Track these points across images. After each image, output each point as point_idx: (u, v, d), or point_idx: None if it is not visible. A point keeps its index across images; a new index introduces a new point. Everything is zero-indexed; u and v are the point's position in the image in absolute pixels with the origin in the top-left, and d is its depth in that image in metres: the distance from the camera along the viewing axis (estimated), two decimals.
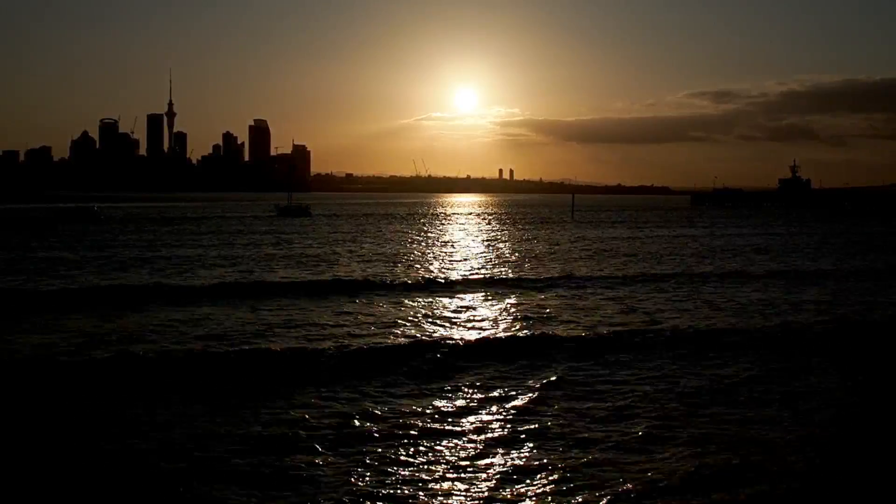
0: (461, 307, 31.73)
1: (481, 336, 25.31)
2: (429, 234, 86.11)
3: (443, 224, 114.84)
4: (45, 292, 34.34)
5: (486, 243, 72.04)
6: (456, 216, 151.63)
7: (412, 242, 71.63)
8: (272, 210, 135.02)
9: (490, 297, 34.62)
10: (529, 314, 29.69)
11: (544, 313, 29.96)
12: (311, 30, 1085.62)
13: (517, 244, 70.77)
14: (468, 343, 24.15)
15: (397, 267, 47.14)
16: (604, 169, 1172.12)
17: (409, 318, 28.70)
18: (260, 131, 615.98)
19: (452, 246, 68.37)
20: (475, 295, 35.43)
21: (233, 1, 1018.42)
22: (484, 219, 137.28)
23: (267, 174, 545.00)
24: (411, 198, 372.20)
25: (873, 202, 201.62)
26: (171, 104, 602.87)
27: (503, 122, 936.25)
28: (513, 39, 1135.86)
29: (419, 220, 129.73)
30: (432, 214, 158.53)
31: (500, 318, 29.03)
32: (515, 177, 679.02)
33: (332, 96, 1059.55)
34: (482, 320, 28.60)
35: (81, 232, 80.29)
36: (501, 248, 65.09)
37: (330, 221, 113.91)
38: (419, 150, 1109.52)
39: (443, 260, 53.38)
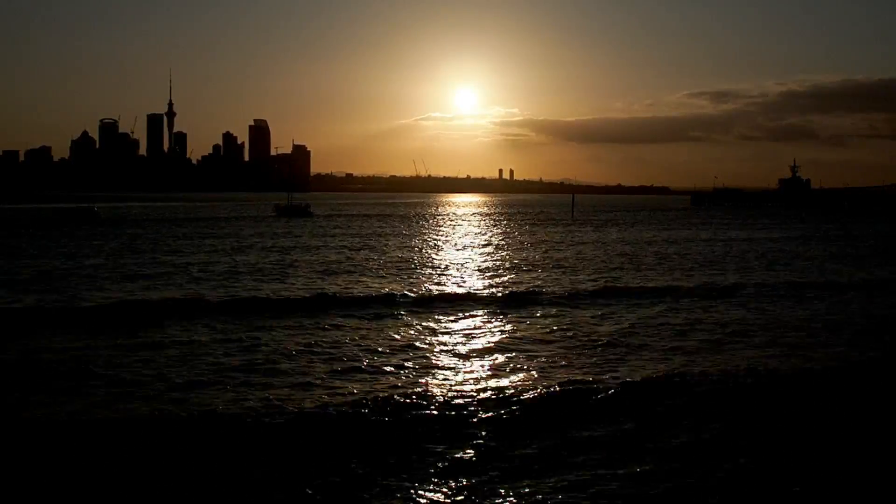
0: (486, 331, 27.34)
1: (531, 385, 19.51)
2: (434, 237, 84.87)
3: (447, 226, 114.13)
4: (48, 308, 31.30)
5: (497, 247, 68.50)
6: (459, 217, 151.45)
7: (420, 247, 68.66)
8: (272, 210, 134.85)
9: (526, 317, 30.12)
10: (588, 345, 24.63)
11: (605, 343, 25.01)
12: (311, 30, 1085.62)
13: (529, 248, 67.51)
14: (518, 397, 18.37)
15: (413, 278, 42.75)
16: (603, 169, 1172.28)
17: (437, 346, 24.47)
18: (260, 131, 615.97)
19: (463, 250, 64.83)
20: (504, 315, 30.48)
21: (233, 1, 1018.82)
22: (488, 220, 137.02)
23: (267, 174, 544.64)
24: (412, 198, 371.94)
25: (873, 202, 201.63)
26: (171, 104, 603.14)
27: (503, 122, 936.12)
28: (512, 39, 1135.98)
29: (422, 221, 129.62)
30: (434, 215, 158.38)
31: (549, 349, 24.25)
32: (515, 177, 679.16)
33: (332, 96, 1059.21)
34: (530, 347, 24.22)
35: (84, 235, 79.88)
36: (515, 253, 61.23)
37: (331, 222, 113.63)
38: (419, 150, 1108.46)
39: (456, 267, 49.45)
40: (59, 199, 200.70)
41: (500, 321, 29.25)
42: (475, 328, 27.99)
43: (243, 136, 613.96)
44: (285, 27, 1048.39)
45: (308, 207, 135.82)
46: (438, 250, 64.42)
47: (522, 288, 38.29)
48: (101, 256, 54.52)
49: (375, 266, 49.31)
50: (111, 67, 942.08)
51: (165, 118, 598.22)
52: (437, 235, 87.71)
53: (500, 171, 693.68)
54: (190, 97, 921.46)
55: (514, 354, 23.34)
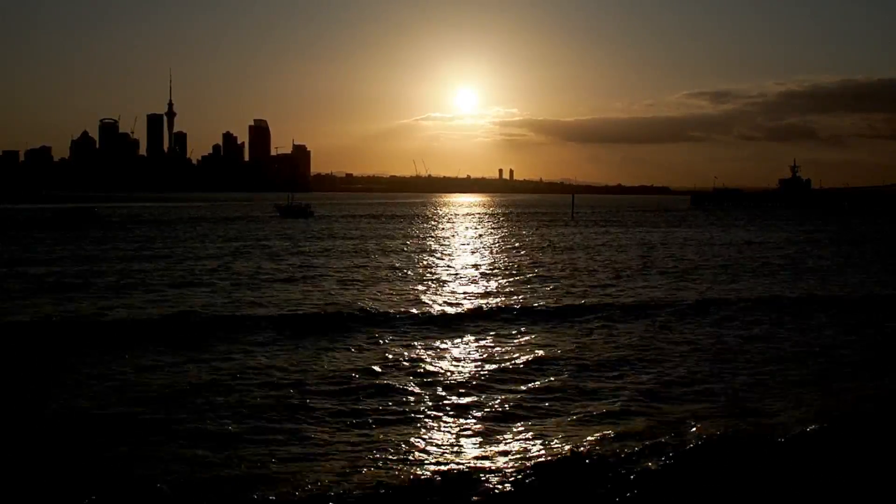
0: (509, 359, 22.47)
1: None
2: (443, 240, 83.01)
3: (452, 227, 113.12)
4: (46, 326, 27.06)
5: (514, 251, 63.98)
6: (461, 218, 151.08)
7: (431, 252, 64.34)
8: (274, 210, 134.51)
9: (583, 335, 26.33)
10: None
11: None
12: (311, 30, 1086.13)
13: (548, 252, 63.55)
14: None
15: (435, 289, 38.32)
16: (603, 169, 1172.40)
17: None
18: (260, 131, 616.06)
19: (471, 255, 60.88)
20: (560, 332, 26.76)
21: (233, 1, 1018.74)
22: (492, 220, 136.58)
23: (267, 174, 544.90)
24: (412, 198, 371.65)
25: (873, 202, 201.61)
26: (171, 104, 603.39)
27: (502, 122, 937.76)
28: (512, 39, 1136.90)
29: (425, 222, 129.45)
30: (436, 216, 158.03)
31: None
32: (515, 177, 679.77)
33: (332, 96, 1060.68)
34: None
35: (89, 236, 79.16)
36: (533, 258, 57.09)
37: (334, 224, 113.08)
38: (419, 150, 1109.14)
39: (480, 275, 45.15)
40: (59, 199, 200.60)
41: (562, 341, 25.26)
42: (531, 350, 23.84)
43: (243, 136, 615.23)
44: (285, 27, 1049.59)
45: (308, 208, 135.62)
46: (451, 255, 61.52)
47: (560, 300, 34.33)
48: (124, 261, 52.07)
49: (398, 275, 45.01)
50: (111, 67, 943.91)
51: (165, 118, 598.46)
52: (446, 238, 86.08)
53: (500, 171, 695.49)
54: (190, 97, 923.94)
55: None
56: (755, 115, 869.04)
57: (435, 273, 46.61)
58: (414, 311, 30.83)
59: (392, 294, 36.11)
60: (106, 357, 22.27)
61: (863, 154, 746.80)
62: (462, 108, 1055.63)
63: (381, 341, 25.04)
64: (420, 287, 39.06)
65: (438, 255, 61.14)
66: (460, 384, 19.70)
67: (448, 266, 51.46)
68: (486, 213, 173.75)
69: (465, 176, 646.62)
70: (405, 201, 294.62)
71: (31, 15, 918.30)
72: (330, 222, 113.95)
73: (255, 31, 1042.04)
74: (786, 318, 30.03)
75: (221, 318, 28.78)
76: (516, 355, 22.97)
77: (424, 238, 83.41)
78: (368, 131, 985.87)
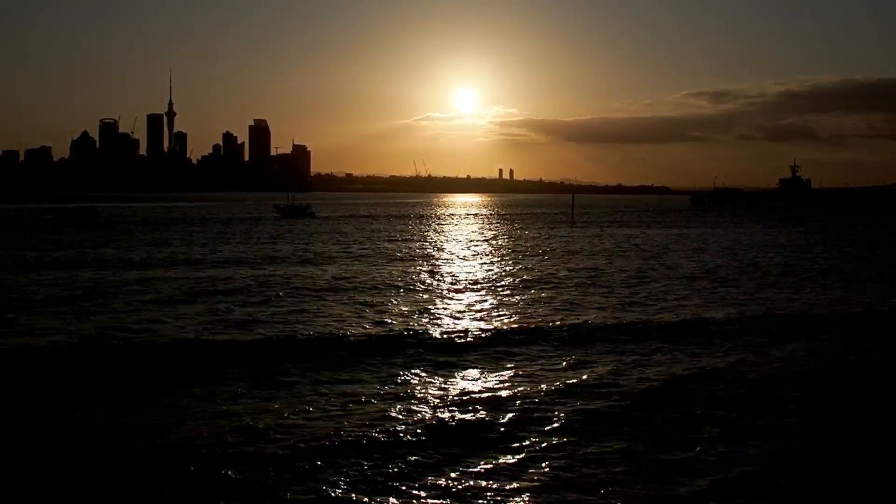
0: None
1: None
2: (446, 242, 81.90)
3: (453, 228, 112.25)
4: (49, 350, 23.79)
5: (526, 258, 58.47)
6: (463, 218, 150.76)
7: (440, 256, 61.42)
8: (273, 211, 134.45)
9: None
10: None
11: None
12: (311, 30, 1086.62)
13: (553, 257, 59.65)
14: None
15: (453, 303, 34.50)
16: (603, 169, 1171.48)
17: None
18: (260, 131, 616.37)
19: (486, 262, 56.07)
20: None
21: (233, 1, 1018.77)
22: (495, 221, 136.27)
23: (267, 174, 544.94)
24: (412, 198, 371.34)
25: (873, 202, 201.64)
26: (171, 104, 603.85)
27: (502, 122, 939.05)
28: (512, 39, 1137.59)
29: (428, 223, 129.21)
30: (439, 216, 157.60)
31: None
32: (515, 177, 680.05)
33: (332, 96, 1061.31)
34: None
35: (96, 237, 78.87)
36: (549, 267, 51.85)
37: (336, 224, 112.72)
38: (419, 150, 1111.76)
39: (500, 286, 41.16)
40: (59, 198, 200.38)
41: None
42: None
43: (243, 136, 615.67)
44: (285, 27, 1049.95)
45: (308, 208, 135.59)
46: (463, 260, 58.28)
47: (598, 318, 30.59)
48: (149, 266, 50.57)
49: (425, 286, 41.13)
50: (111, 67, 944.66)
51: (165, 118, 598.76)
52: (452, 241, 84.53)
53: (500, 170, 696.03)
54: (190, 97, 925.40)
55: None
56: (755, 115, 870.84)
57: (454, 283, 42.91)
58: (450, 331, 27.72)
59: (433, 311, 32.46)
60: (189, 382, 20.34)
61: (863, 154, 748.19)
62: (462, 108, 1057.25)
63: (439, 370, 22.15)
64: (443, 301, 35.55)
65: (449, 260, 58.62)
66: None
67: (463, 273, 48.21)
68: (488, 214, 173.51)
69: (465, 176, 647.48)
70: (405, 201, 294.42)
71: (31, 15, 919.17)
72: (332, 223, 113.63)
73: (255, 31, 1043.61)
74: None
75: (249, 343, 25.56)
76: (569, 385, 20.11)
77: (430, 241, 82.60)
78: (368, 131, 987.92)
